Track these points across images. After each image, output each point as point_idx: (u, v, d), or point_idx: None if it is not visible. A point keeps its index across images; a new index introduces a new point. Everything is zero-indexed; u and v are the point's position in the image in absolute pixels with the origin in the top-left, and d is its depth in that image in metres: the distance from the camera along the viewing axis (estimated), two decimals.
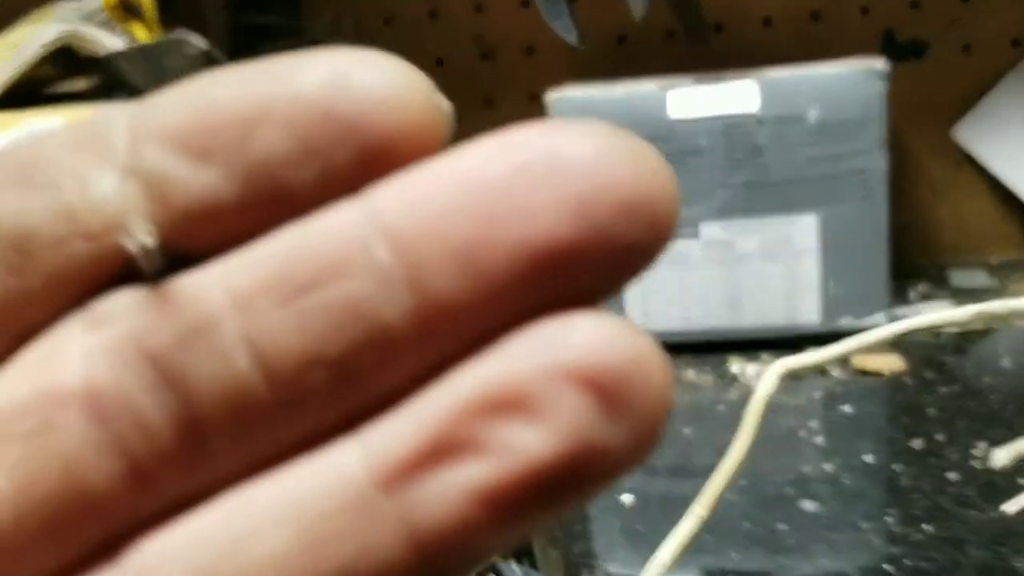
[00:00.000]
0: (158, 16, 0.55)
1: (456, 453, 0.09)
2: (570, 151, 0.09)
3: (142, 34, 0.54)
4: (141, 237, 0.09)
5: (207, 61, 0.49)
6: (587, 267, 0.09)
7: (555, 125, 0.09)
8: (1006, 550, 0.33)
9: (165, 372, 0.09)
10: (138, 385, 0.09)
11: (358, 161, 0.09)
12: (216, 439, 0.09)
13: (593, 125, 0.09)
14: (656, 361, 0.09)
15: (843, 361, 0.52)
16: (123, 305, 0.09)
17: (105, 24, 0.54)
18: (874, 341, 0.25)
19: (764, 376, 0.26)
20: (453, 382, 0.09)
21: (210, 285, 0.09)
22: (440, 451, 0.09)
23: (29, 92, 0.53)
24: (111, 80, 0.53)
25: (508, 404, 0.09)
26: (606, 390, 0.09)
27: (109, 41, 0.53)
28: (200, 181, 0.09)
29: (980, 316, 0.25)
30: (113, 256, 0.09)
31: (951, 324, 0.23)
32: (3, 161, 0.10)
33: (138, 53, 0.51)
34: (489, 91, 0.68)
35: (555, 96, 0.53)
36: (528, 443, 0.09)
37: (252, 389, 0.09)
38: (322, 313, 0.09)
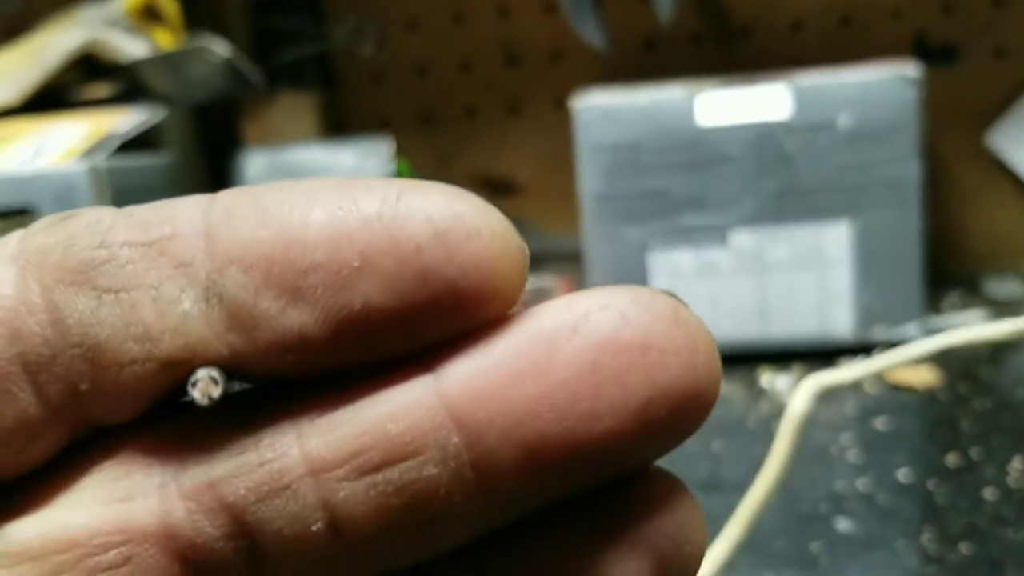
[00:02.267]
0: (182, 21, 0.55)
1: None
2: (635, 349, 0.09)
3: (165, 39, 0.53)
4: (215, 379, 0.09)
5: (230, 69, 0.49)
6: (636, 455, 0.10)
7: (608, 300, 0.09)
8: None
9: (242, 523, 0.09)
10: (215, 533, 0.09)
11: (448, 316, 0.09)
12: None
13: (654, 305, 0.09)
14: None
15: (877, 375, 0.51)
16: (199, 445, 0.09)
17: (128, 29, 0.54)
18: (909, 357, 0.25)
19: (797, 393, 0.25)
20: None
21: (287, 445, 0.09)
22: None
23: (51, 98, 0.53)
24: (133, 86, 0.53)
25: None
26: None
27: (131, 47, 0.53)
28: (289, 320, 0.09)
29: (1017, 333, 0.24)
30: (183, 376, 0.09)
31: (986, 340, 0.22)
32: (62, 251, 0.09)
33: (161, 60, 0.51)
34: (514, 97, 0.68)
35: (579, 105, 0.52)
36: None
37: (323, 546, 0.09)
38: (395, 489, 0.09)
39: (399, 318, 0.09)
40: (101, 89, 0.53)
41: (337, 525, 0.09)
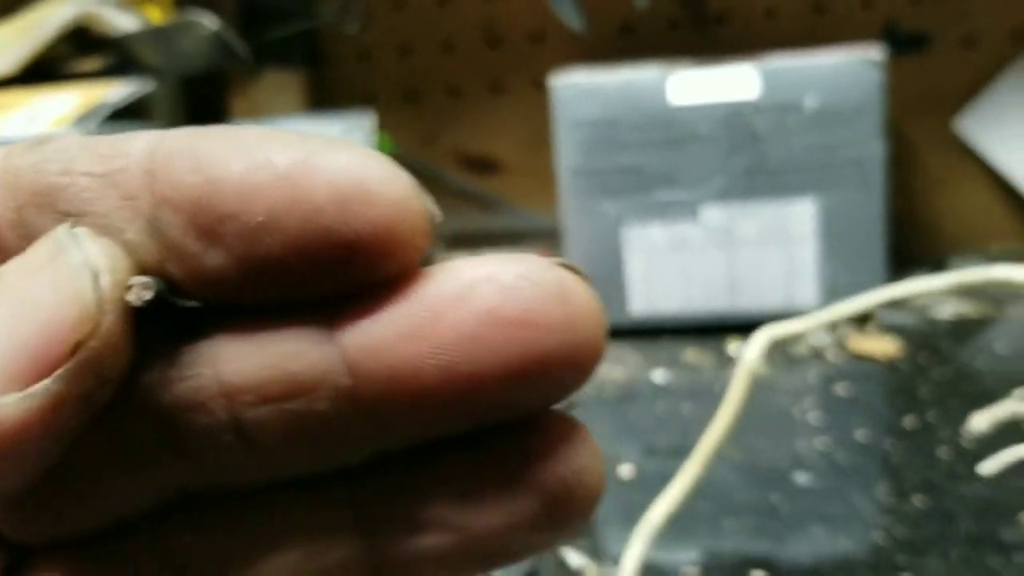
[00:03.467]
0: None
1: None
2: (513, 323, 0.10)
3: (155, 14, 0.55)
4: (147, 285, 0.10)
5: (218, 42, 0.50)
6: (515, 409, 0.11)
7: (495, 272, 0.10)
8: (992, 521, 0.34)
9: (172, 431, 0.11)
10: (145, 430, 0.11)
11: (345, 272, 0.10)
12: (202, 481, 0.11)
13: (541, 280, 0.10)
14: None
15: (839, 346, 0.52)
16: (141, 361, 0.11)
17: (119, 3, 0.55)
18: (860, 309, 0.26)
19: (750, 343, 0.27)
20: None
21: (205, 367, 0.11)
22: None
23: (44, 70, 0.54)
24: (124, 59, 0.54)
25: None
26: None
27: (122, 21, 0.54)
28: (208, 259, 0.10)
29: (960, 286, 0.25)
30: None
31: (932, 290, 0.24)
32: (32, 175, 0.11)
33: (151, 34, 0.53)
34: (496, 77, 0.69)
35: (558, 83, 0.54)
36: None
37: (233, 453, 0.11)
38: (292, 416, 0.11)
39: (299, 270, 0.10)
40: (93, 62, 0.55)
41: (245, 437, 0.11)
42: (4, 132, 0.48)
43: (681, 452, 0.43)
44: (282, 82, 0.62)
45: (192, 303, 0.11)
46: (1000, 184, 0.67)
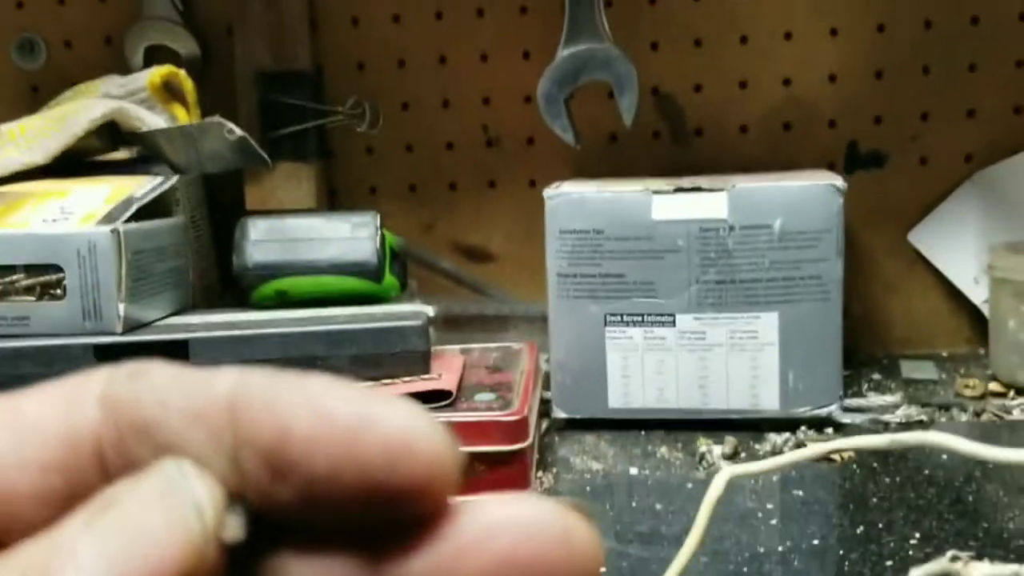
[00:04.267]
0: (197, 98, 0.60)
1: None
2: (527, 565, 0.12)
3: (182, 114, 0.59)
4: (242, 530, 0.12)
5: (243, 146, 0.55)
6: None
7: (512, 516, 0.12)
8: None
9: None
10: None
11: (390, 511, 0.12)
12: None
13: (549, 526, 0.12)
14: None
15: (799, 446, 0.57)
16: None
17: (146, 102, 0.59)
18: (810, 456, 0.30)
19: (714, 482, 0.31)
20: None
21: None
22: None
23: (73, 160, 0.58)
24: (150, 154, 0.58)
25: None
26: None
27: (151, 119, 0.58)
28: (277, 492, 0.12)
29: (894, 444, 0.30)
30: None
31: (870, 448, 0.28)
32: (133, 406, 0.12)
33: (177, 132, 0.57)
34: (493, 175, 0.74)
35: (551, 193, 0.59)
36: None
37: None
38: None
39: (360, 508, 0.12)
40: (120, 153, 0.58)
41: None
42: (38, 223, 0.51)
43: (653, 543, 0.47)
44: (295, 173, 0.66)
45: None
46: (949, 291, 0.73)
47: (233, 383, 0.12)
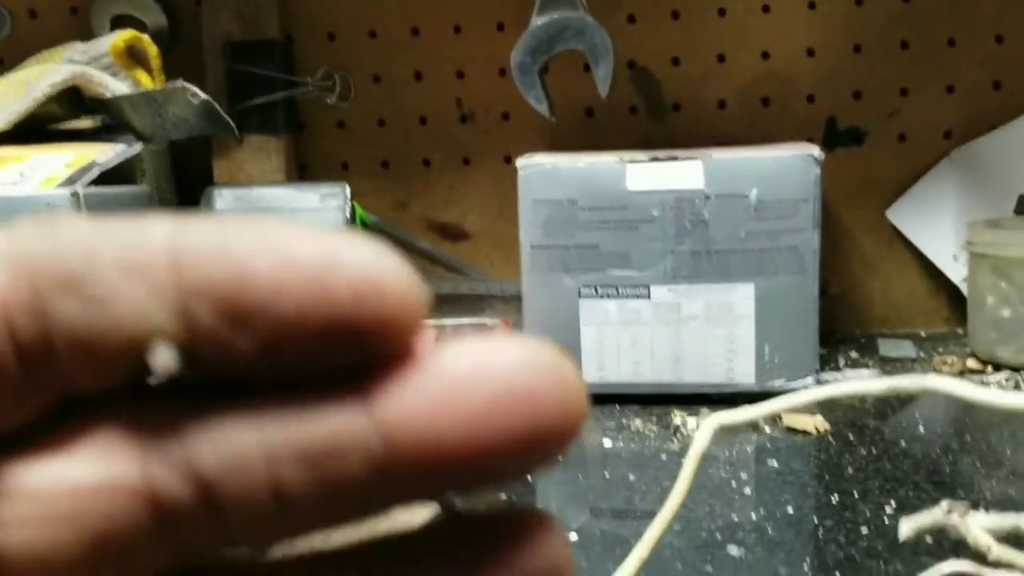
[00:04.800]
0: (161, 64, 0.59)
1: None
2: (522, 396, 0.12)
3: (146, 80, 0.57)
4: (171, 357, 0.11)
5: (207, 111, 0.53)
6: (518, 470, 0.12)
7: (505, 350, 0.12)
8: None
9: (207, 487, 0.12)
10: (186, 494, 0.12)
11: (362, 351, 0.12)
12: (233, 538, 0.12)
13: (540, 361, 0.12)
14: None
15: (774, 420, 0.56)
16: (176, 422, 0.12)
17: (110, 68, 0.58)
18: (798, 403, 0.30)
19: (700, 430, 0.30)
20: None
21: (249, 432, 0.12)
22: None
23: (36, 128, 0.56)
24: (114, 121, 0.57)
25: None
26: None
27: (114, 84, 0.56)
28: (236, 343, 0.11)
29: (892, 390, 0.28)
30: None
31: (866, 393, 0.27)
32: (50, 260, 0.11)
33: (141, 98, 0.55)
34: (467, 151, 0.73)
35: (524, 163, 0.58)
36: None
37: (267, 508, 0.12)
38: (328, 476, 0.12)
39: (324, 352, 0.12)
40: (84, 122, 0.57)
41: (280, 495, 0.12)
42: None
43: (625, 516, 0.46)
44: (264, 146, 0.65)
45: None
46: (928, 270, 0.72)
47: (170, 232, 0.12)
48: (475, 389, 0.12)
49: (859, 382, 0.32)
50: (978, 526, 0.30)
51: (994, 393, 0.23)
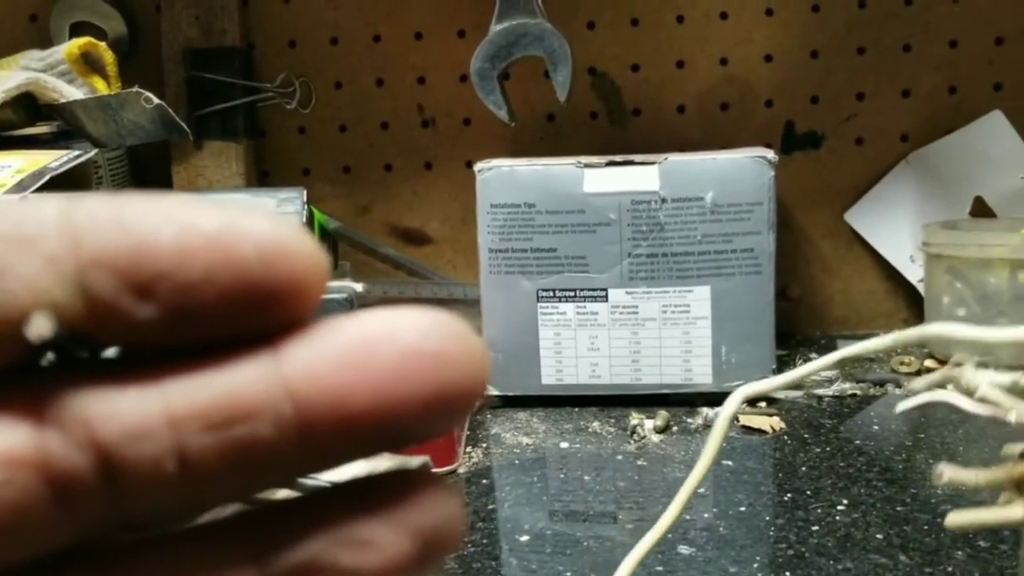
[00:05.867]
0: (118, 71, 0.59)
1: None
2: (431, 358, 0.12)
3: (102, 87, 0.57)
4: (47, 322, 0.11)
5: (162, 116, 0.53)
6: (424, 431, 0.13)
7: (413, 317, 0.12)
8: None
9: (107, 457, 0.11)
10: (84, 464, 0.11)
11: (268, 314, 0.12)
12: (136, 513, 0.12)
13: (448, 328, 0.12)
14: None
15: (733, 419, 0.57)
16: (74, 393, 0.12)
17: (66, 75, 0.57)
18: (821, 367, 0.29)
19: (729, 400, 0.29)
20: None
21: (152, 399, 0.12)
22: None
23: None
24: (69, 126, 0.56)
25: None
26: None
27: (69, 90, 0.56)
28: (140, 312, 0.11)
29: (897, 342, 0.28)
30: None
31: (876, 349, 0.27)
32: None
33: (95, 103, 0.55)
34: (429, 155, 0.73)
35: (482, 167, 0.58)
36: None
37: (172, 480, 0.12)
38: (235, 441, 0.12)
39: (230, 316, 0.12)
40: (39, 128, 0.57)
41: (185, 464, 0.12)
42: None
43: (578, 517, 0.47)
44: (224, 152, 0.65)
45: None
46: (886, 271, 0.73)
47: (63, 207, 0.12)
48: (384, 350, 0.12)
49: (868, 341, 0.31)
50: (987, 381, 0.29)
51: (997, 332, 0.23)
